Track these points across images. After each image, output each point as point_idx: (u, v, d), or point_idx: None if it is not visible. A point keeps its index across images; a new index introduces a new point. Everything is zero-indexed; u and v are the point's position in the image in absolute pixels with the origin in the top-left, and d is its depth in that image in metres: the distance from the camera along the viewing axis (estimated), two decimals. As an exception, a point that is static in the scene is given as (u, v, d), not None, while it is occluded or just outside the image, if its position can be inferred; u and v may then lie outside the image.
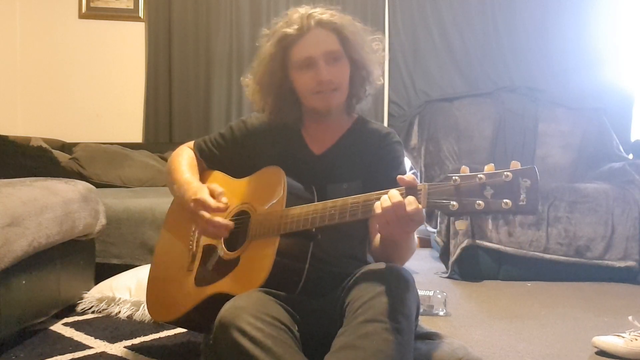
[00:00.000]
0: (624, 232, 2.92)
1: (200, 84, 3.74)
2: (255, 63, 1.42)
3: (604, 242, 2.91)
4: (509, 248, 2.90)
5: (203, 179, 1.49)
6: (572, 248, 2.90)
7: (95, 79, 3.74)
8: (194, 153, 1.53)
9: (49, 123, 3.64)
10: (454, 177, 0.96)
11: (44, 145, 3.05)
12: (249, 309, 1.05)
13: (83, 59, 3.73)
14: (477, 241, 2.88)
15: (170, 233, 1.54)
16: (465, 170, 0.97)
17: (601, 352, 1.81)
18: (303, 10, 1.34)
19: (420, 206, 1.00)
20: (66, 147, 3.34)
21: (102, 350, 1.69)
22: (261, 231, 1.24)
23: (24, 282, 1.70)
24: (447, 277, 2.93)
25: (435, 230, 3.25)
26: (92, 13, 3.74)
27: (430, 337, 1.42)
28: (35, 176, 2.12)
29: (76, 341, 1.77)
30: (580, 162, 3.58)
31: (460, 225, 0.97)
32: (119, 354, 1.66)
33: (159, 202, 2.49)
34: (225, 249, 1.32)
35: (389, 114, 3.85)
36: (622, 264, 2.90)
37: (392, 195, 1.03)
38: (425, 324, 1.67)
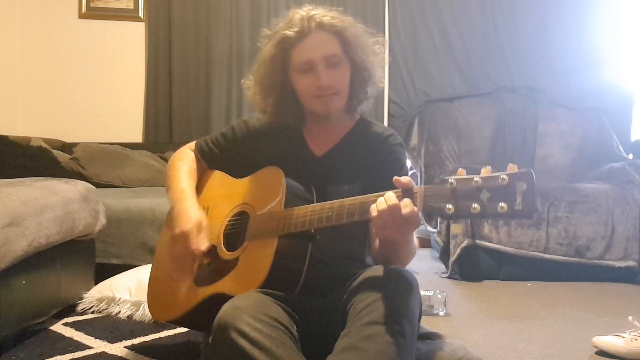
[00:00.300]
0: (624, 232, 2.92)
1: (200, 84, 3.74)
2: (255, 64, 1.41)
3: (604, 242, 2.91)
4: (509, 248, 2.90)
5: (203, 179, 1.50)
6: (572, 248, 2.90)
7: (95, 79, 3.74)
8: (195, 154, 1.52)
9: (49, 123, 3.64)
10: (450, 180, 0.96)
11: (44, 145, 3.05)
12: (248, 309, 1.05)
13: (83, 59, 3.73)
14: (477, 241, 2.87)
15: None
16: (462, 172, 0.96)
17: (601, 352, 1.81)
18: (304, 11, 1.32)
19: (416, 209, 1.00)
20: (66, 147, 3.34)
21: (102, 350, 1.69)
22: (260, 232, 1.24)
23: (24, 282, 1.70)
24: (447, 277, 2.92)
25: (435, 230, 3.25)
26: (92, 13, 3.74)
27: (430, 337, 1.42)
28: (35, 176, 2.12)
29: (76, 341, 1.77)
30: (580, 162, 3.58)
31: (456, 229, 0.97)
32: (119, 354, 1.66)
33: (159, 202, 2.49)
34: (225, 250, 1.32)
35: (389, 114, 3.85)
36: (622, 264, 2.90)
37: (388, 198, 1.02)
38: (425, 324, 1.66)
